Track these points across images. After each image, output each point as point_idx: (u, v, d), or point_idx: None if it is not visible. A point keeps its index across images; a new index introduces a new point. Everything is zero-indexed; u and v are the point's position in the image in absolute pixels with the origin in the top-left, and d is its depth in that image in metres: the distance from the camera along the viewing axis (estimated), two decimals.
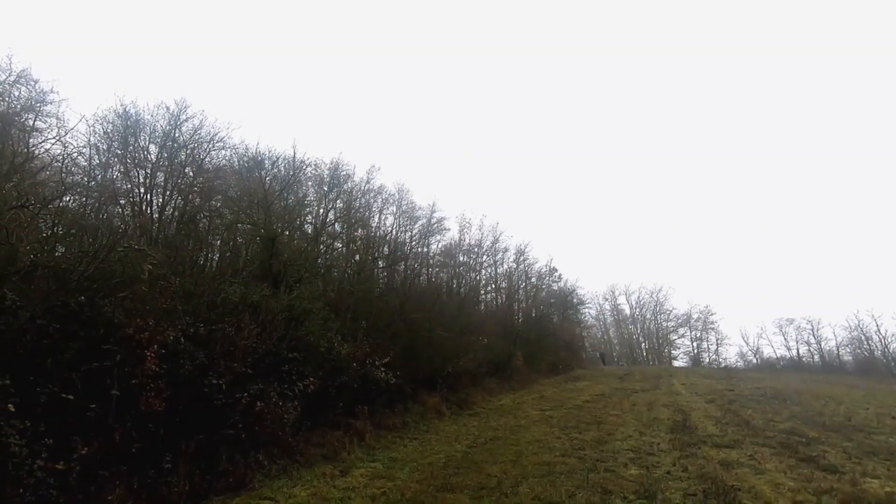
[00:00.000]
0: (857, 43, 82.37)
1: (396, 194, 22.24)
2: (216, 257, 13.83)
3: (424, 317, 15.19)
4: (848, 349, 40.16)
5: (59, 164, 9.51)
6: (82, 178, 10.81)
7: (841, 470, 6.57)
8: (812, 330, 43.06)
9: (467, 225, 28.70)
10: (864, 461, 7.15)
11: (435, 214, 23.99)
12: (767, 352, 46.89)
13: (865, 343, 37.87)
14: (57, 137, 9.92)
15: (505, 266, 32.04)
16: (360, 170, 37.05)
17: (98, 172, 11.53)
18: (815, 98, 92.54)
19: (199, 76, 63.21)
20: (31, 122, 10.32)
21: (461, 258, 27.43)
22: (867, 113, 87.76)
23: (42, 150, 9.62)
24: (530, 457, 7.54)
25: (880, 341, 36.70)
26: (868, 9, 78.63)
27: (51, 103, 10.43)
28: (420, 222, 23.63)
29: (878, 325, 36.91)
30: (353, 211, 19.09)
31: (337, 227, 18.56)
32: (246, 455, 6.38)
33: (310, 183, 18.40)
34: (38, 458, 4.27)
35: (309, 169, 17.26)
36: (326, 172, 18.53)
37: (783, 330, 45.54)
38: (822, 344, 42.26)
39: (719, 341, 52.80)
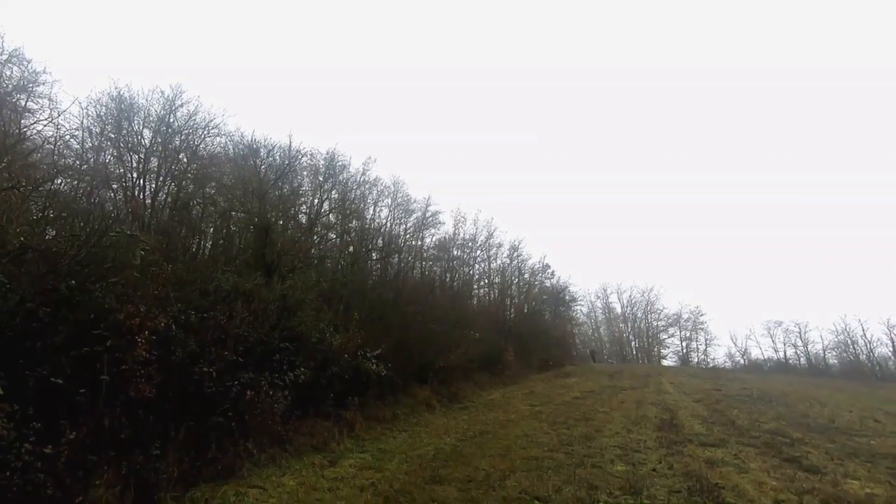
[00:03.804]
0: (849, 44, 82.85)
1: (392, 186, 22.24)
2: (209, 245, 13.75)
3: (417, 310, 15.22)
4: (834, 352, 40.78)
5: (51, 147, 9.41)
6: (74, 161, 10.69)
7: (823, 471, 6.66)
8: (799, 333, 43.65)
9: (462, 219, 28.78)
10: (846, 462, 7.26)
11: (430, 208, 24.04)
12: (755, 353, 47.48)
13: (851, 347, 38.40)
14: (49, 119, 9.75)
15: (498, 261, 32.21)
16: (356, 161, 36.38)
17: (90, 156, 11.41)
18: (812, 99, 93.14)
19: (196, 63, 62.30)
20: (22, 103, 10.16)
21: (455, 252, 27.48)
22: (863, 116, 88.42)
23: (34, 131, 9.46)
24: (519, 451, 7.61)
25: (866, 345, 37.26)
26: (867, 8, 78.80)
27: (43, 84, 10.27)
28: (415, 215, 23.68)
29: (863, 330, 37.46)
30: (348, 202, 19.04)
31: (331, 217, 18.50)
32: (235, 443, 6.38)
33: (305, 173, 18.30)
34: (25, 441, 4.24)
35: (304, 159, 17.16)
36: (322, 163, 18.45)
37: (771, 332, 46.17)
38: (809, 347, 42.84)
39: (708, 342, 53.40)
